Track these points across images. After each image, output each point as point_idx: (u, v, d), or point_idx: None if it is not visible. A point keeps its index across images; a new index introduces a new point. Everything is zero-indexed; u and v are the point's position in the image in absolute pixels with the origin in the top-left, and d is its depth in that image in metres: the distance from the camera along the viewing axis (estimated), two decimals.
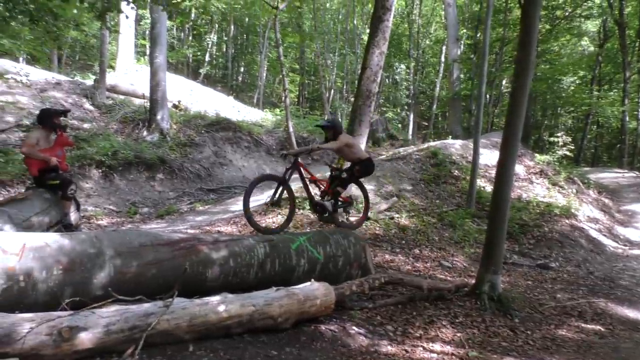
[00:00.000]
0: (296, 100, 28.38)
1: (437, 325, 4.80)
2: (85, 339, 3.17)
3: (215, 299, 3.83)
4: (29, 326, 3.04)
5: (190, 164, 12.24)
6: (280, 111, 19.49)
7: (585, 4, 20.00)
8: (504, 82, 22.70)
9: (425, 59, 29.24)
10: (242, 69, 29.75)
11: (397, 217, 8.58)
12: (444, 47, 25.56)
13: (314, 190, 6.75)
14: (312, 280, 4.55)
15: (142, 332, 3.33)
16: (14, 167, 9.03)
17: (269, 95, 29.11)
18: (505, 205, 5.63)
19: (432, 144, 13.93)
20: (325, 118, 7.18)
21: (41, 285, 3.63)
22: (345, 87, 27.94)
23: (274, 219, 7.82)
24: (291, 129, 9.12)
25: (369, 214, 8.18)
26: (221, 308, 3.75)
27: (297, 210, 7.53)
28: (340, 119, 24.79)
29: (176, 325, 3.50)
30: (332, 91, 26.68)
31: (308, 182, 6.35)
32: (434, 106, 26.79)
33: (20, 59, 17.64)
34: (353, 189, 7.56)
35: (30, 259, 3.62)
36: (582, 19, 21.14)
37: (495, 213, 5.68)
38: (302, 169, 6.17)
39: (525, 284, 7.10)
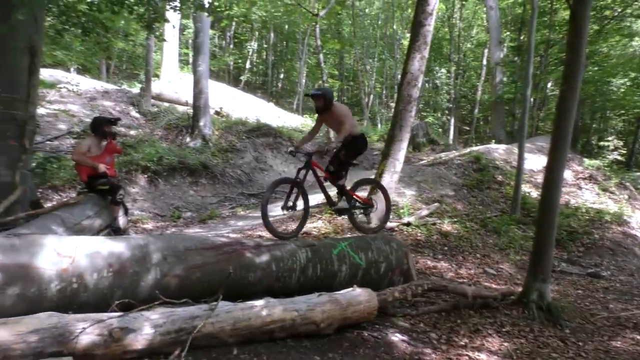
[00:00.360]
0: None
1: (482, 334, 4.68)
2: (134, 340, 3.24)
3: (258, 303, 3.86)
4: (81, 326, 3.14)
5: (231, 169, 12.44)
6: None
7: (635, 3, 19.21)
8: (549, 84, 22.03)
9: (466, 62, 28.76)
10: (281, 76, 30.07)
11: (439, 223, 8.44)
12: (485, 51, 25.07)
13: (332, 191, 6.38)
14: (355, 286, 4.52)
15: (188, 335, 3.38)
16: (66, 173, 9.39)
17: (308, 101, 29.29)
18: (554, 211, 5.44)
19: (474, 148, 13.66)
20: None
21: (92, 287, 3.74)
22: (384, 92, 27.80)
23: (315, 224, 7.83)
24: (332, 134, 9.11)
25: (409, 218, 8.09)
26: (264, 312, 3.77)
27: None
28: (377, 123, 24.69)
29: (220, 329, 3.54)
30: (371, 96, 26.59)
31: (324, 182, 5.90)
32: (476, 110, 26.29)
33: (71, 69, 18.39)
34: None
35: (82, 261, 3.74)
36: (633, 19, 20.30)
37: (544, 219, 5.50)
38: (316, 169, 5.70)
39: (575, 293, 6.84)
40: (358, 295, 4.35)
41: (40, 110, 10.78)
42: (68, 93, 13.77)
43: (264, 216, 5.32)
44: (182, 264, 4.20)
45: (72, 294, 3.65)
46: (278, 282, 4.70)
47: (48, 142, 10.96)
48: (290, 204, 5.57)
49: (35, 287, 3.49)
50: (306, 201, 5.70)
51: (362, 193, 6.70)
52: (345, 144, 5.68)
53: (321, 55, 9.63)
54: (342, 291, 4.38)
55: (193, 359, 3.29)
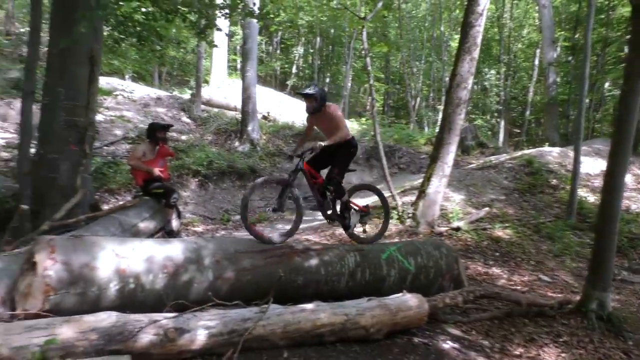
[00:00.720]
0: (381, 109, 28.26)
1: (538, 343, 4.51)
2: (188, 340, 3.32)
3: (308, 306, 3.87)
4: (138, 326, 3.24)
5: (278, 173, 12.57)
6: (366, 120, 19.50)
7: None
8: (606, 85, 21.08)
9: (517, 63, 27.95)
10: (327, 80, 30.18)
11: (490, 228, 8.22)
12: (537, 51, 24.29)
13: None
14: (404, 291, 4.47)
15: (239, 337, 3.43)
16: (122, 177, 9.76)
17: (354, 105, 29.24)
18: (614, 216, 5.19)
19: (526, 151, 13.24)
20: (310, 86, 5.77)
21: (148, 288, 3.87)
22: (431, 94, 27.40)
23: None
24: (379, 138, 9.05)
25: (458, 223, 7.91)
26: (314, 316, 3.78)
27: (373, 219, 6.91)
28: (424, 126, 24.35)
29: (271, 331, 3.57)
30: (418, 99, 26.27)
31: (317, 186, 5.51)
32: (527, 112, 25.48)
33: (127, 76, 19.13)
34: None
35: (138, 263, 3.87)
36: None
37: (604, 225, 5.25)
38: (309, 170, 5.38)
39: (638, 303, 6.49)
40: (408, 301, 4.29)
41: (98, 117, 11.26)
42: (123, 100, 14.33)
43: (244, 219, 4.88)
44: (233, 266, 4.28)
45: (129, 294, 3.78)
46: (326, 286, 4.71)
47: (105, 147, 11.43)
48: (275, 206, 5.26)
49: (96, 286, 3.64)
50: (298, 205, 5.28)
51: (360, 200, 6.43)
52: (338, 156, 5.40)
53: (368, 59, 9.56)
54: (391, 296, 4.33)
55: None
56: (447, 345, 4.16)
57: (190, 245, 4.19)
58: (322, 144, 5.17)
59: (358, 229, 5.92)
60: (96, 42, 6.22)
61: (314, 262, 4.69)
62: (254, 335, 3.48)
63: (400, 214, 8.07)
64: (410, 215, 7.95)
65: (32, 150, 6.02)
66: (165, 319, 3.36)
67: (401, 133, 17.20)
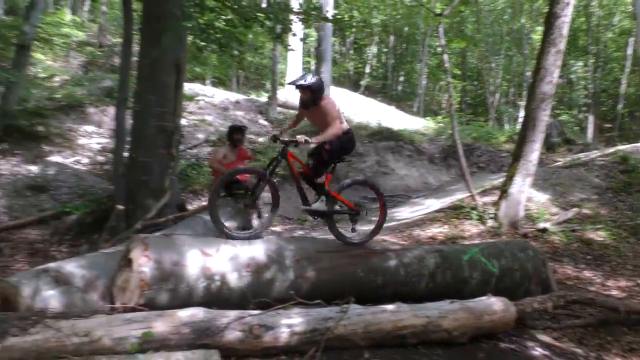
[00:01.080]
0: (458, 106, 27.46)
1: (639, 353, 4.19)
2: (272, 337, 3.40)
3: (389, 307, 3.84)
4: (225, 322, 3.37)
5: (354, 174, 12.56)
6: (442, 118, 19.05)
7: None
8: None
9: (606, 53, 26.11)
10: (401, 78, 29.80)
11: (580, 230, 7.74)
12: (631, 39, 22.55)
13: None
14: (489, 294, 4.32)
15: (321, 335, 3.47)
16: (204, 178, 10.19)
17: (429, 103, 28.65)
18: None
19: (620, 147, 12.32)
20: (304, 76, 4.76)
21: (232, 286, 4.01)
22: (511, 90, 26.27)
23: (440, 230, 7.62)
24: (457, 137, 8.80)
25: (544, 224, 7.52)
26: (395, 317, 3.75)
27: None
28: (504, 123, 23.36)
29: (352, 331, 3.58)
30: (497, 95, 25.27)
31: (301, 178, 4.91)
32: (620, 105, 23.73)
33: (207, 82, 19.95)
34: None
35: (224, 261, 4.03)
36: None
37: None
38: (291, 160, 4.73)
39: None
40: (492, 304, 4.14)
41: (182, 121, 11.85)
42: (205, 104, 14.95)
43: (216, 221, 4.34)
44: (313, 266, 4.33)
45: (215, 292, 3.94)
46: (406, 287, 4.65)
47: (188, 150, 11.98)
48: (247, 201, 4.67)
49: (185, 283, 3.82)
50: (275, 197, 4.71)
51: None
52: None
53: (445, 56, 9.33)
54: (475, 299, 4.20)
55: (327, 359, 3.35)
56: (537, 352, 3.97)
57: (272, 245, 4.30)
58: (312, 142, 4.58)
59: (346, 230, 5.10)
60: (181, 51, 6.55)
61: (392, 262, 4.66)
62: (335, 334, 3.51)
63: (480, 214, 7.80)
64: (491, 216, 7.66)
65: (126, 154, 6.44)
66: (250, 315, 3.46)
67: (480, 131, 16.63)
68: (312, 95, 4.65)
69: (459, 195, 9.31)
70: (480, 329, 4.00)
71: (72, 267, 3.85)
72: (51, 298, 3.55)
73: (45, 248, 5.89)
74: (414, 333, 3.75)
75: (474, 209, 7.90)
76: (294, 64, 19.25)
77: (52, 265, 3.94)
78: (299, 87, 4.65)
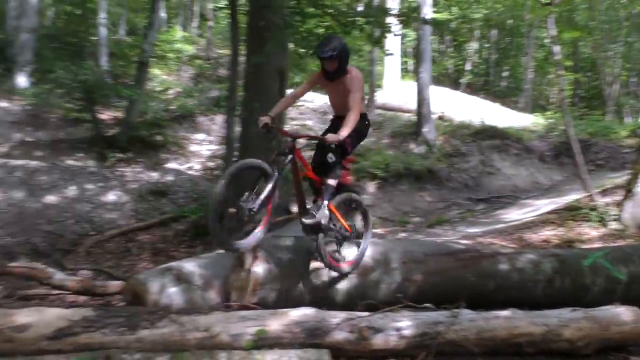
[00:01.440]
0: (571, 100, 25.57)
1: None
2: (381, 340, 3.38)
3: (503, 313, 3.66)
4: (334, 322, 3.41)
5: (457, 174, 12.21)
6: (553, 114, 17.86)
7: None
8: None
9: None
10: (505, 74, 28.40)
11: None
12: None
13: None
14: (615, 303, 3.96)
15: (431, 340, 3.39)
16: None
17: (537, 98, 26.98)
18: None
19: None
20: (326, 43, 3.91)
21: (339, 286, 4.07)
22: (632, 80, 23.96)
23: (555, 232, 7.13)
24: (571, 132, 8.20)
25: None
26: (510, 324, 3.56)
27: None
28: (624, 116, 21.30)
29: (464, 337, 3.46)
30: (616, 86, 23.16)
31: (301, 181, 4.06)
32: None
33: None
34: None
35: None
36: None
37: None
38: (298, 159, 3.90)
39: None
40: (620, 314, 3.78)
41: (285, 127, 12.27)
42: (305, 109, 15.34)
43: (214, 229, 3.39)
44: (420, 269, 4.26)
45: (323, 292, 4.02)
46: (519, 293, 4.41)
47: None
48: (251, 204, 3.46)
49: (294, 283, 3.94)
50: (274, 199, 3.75)
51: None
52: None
53: (556, 47, 8.75)
54: (600, 308, 3.87)
55: None
56: None
57: (378, 247, 4.30)
58: (339, 137, 3.69)
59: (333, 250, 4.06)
60: (284, 59, 6.79)
61: (504, 266, 4.44)
62: (446, 339, 3.41)
63: (601, 215, 7.19)
64: (614, 217, 7.04)
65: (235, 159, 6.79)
66: (358, 317, 3.48)
67: (596, 125, 15.35)
68: (340, 66, 3.82)
69: (574, 196, 8.68)
70: (607, 340, 3.68)
71: (192, 267, 4.12)
72: (174, 295, 3.83)
73: (167, 248, 6.39)
74: (531, 342, 3.54)
75: (593, 209, 7.31)
76: (391, 65, 19.14)
77: (174, 264, 4.25)
78: (326, 58, 3.78)
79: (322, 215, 3.87)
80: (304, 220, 3.88)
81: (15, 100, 12.59)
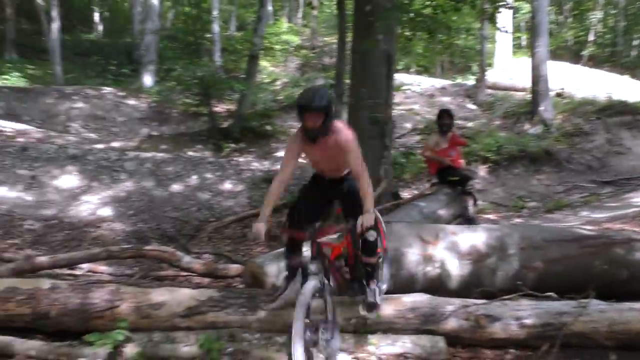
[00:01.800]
0: None
1: None
2: (499, 328, 3.27)
3: (638, 305, 3.35)
4: (449, 309, 3.35)
5: (579, 155, 11.26)
6: None
7: None
8: None
9: None
10: (635, 42, 25.55)
11: None
12: None
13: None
14: None
15: (556, 330, 3.21)
16: (414, 167, 10.28)
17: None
18: None
19: None
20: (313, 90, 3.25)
21: (452, 273, 3.97)
22: None
23: None
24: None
25: None
26: None
27: None
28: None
29: (593, 329, 3.23)
30: None
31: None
32: None
33: (411, 71, 20.04)
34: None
35: (442, 248, 4.01)
36: None
37: None
38: (328, 250, 3.24)
39: None
40: None
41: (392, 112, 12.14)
42: (411, 93, 15.05)
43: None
44: (539, 256, 4.04)
45: (435, 278, 3.95)
46: None
47: (396, 140, 12.21)
48: (327, 334, 2.89)
49: (405, 269, 3.92)
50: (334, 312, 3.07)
51: None
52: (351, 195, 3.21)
53: None
54: None
55: (565, 356, 3.09)
56: None
57: (493, 233, 4.14)
58: (371, 217, 2.95)
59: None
60: (391, 42, 6.70)
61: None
62: (572, 331, 3.21)
63: None
64: None
65: None
66: (474, 305, 3.39)
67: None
68: (326, 121, 2.98)
69: None
70: None
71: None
72: None
73: (279, 234, 6.63)
74: None
75: None
76: (502, 42, 18.09)
77: None
78: (310, 109, 2.95)
79: (382, 299, 3.29)
80: (366, 308, 3.23)
81: (142, 98, 13.81)
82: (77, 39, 18.81)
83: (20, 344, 3.11)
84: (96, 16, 20.59)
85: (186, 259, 4.62)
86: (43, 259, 4.38)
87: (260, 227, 2.97)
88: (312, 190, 3.43)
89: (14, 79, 13.94)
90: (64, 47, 15.31)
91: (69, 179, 7.50)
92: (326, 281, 3.02)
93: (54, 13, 14.54)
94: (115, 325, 3.20)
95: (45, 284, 3.44)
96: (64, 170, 7.49)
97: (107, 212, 7.16)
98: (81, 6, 19.91)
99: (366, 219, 2.91)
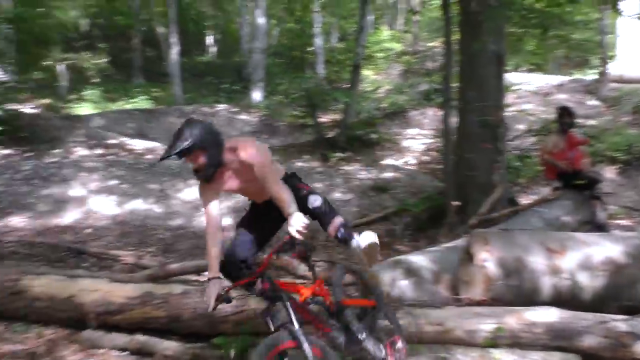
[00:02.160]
0: None
1: None
2: None
3: None
4: (583, 325, 3.10)
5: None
6: None
7: None
8: None
9: None
10: None
11: None
12: None
13: None
14: None
15: None
16: (529, 170, 9.69)
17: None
18: None
19: None
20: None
21: (584, 285, 3.65)
22: None
23: None
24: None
25: None
26: None
27: None
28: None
29: None
30: None
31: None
32: None
33: (522, 70, 18.93)
34: None
35: (572, 258, 3.71)
36: None
37: None
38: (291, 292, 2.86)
39: None
40: None
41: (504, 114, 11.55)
42: (523, 93, 14.22)
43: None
44: None
45: (564, 290, 3.66)
46: None
47: (509, 143, 11.57)
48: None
49: (529, 280, 3.68)
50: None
51: None
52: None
53: None
54: None
55: None
56: None
57: (632, 241, 3.75)
58: (299, 221, 2.71)
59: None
60: (501, 42, 6.40)
61: None
62: None
63: None
64: None
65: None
66: (613, 320, 3.09)
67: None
68: (209, 155, 2.71)
69: None
70: None
71: (420, 260, 4.17)
72: (405, 287, 3.92)
73: (391, 242, 6.58)
74: None
75: None
76: (627, 31, 16.47)
77: (402, 257, 4.37)
78: (180, 154, 2.67)
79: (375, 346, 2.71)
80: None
81: (252, 113, 14.52)
82: (192, 61, 20.28)
83: (159, 344, 3.41)
84: (209, 39, 22.05)
85: (302, 268, 4.76)
86: (174, 266, 4.75)
87: (210, 291, 2.68)
88: (250, 220, 3.17)
89: (141, 102, 15.39)
90: (182, 69, 16.60)
91: (192, 192, 8.06)
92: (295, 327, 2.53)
93: (173, 39, 15.86)
94: (239, 329, 3.36)
95: (177, 289, 3.72)
96: (187, 183, 8.05)
97: (227, 221, 7.58)
98: (196, 31, 21.45)
99: (295, 221, 2.66)
